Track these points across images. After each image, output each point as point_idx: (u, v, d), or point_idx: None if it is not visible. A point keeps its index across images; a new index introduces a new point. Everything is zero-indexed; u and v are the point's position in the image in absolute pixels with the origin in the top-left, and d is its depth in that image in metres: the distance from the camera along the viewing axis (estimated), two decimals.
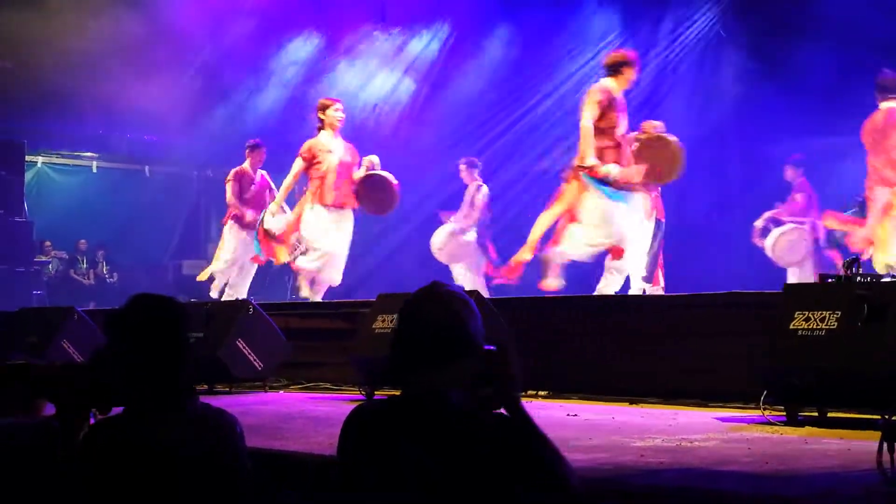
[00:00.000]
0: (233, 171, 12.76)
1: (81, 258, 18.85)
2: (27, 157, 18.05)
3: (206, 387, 8.46)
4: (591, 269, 11.68)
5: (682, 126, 14.11)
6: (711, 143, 14.68)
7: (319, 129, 10.82)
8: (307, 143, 10.83)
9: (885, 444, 3.60)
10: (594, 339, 7.55)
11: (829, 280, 5.82)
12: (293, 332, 8.88)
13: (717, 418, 5.88)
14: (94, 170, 20.13)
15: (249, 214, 12.29)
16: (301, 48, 16.45)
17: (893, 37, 11.76)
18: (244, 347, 8.14)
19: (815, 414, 5.59)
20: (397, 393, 2.90)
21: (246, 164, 12.70)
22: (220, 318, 8.37)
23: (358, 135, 15.94)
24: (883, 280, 5.78)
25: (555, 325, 7.85)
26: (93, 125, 18.03)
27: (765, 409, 5.64)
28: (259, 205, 12.31)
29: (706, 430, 5.31)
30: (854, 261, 5.77)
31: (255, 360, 8.19)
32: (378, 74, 16.59)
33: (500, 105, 15.89)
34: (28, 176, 18.85)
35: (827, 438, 4.93)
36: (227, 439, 3.03)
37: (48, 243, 18.08)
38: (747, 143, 14.55)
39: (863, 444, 4.49)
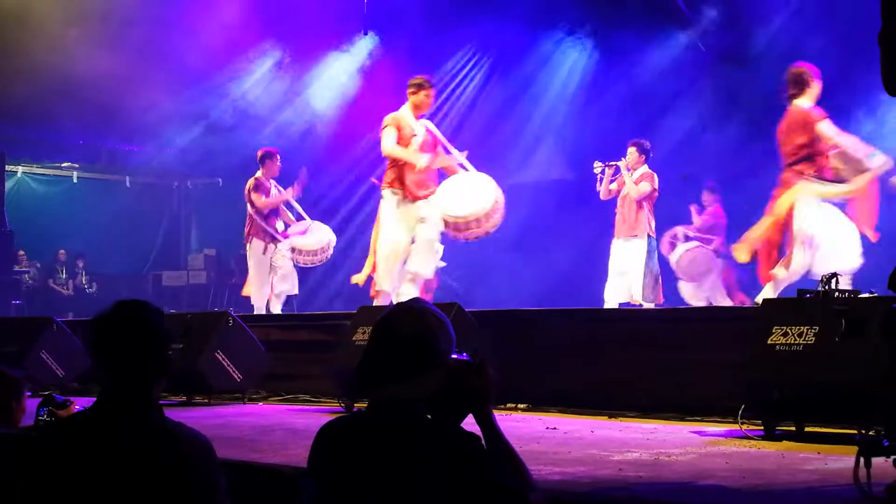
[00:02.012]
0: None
1: (61, 268, 18.77)
2: (7, 167, 18.00)
3: (184, 398, 8.43)
4: (575, 280, 11.75)
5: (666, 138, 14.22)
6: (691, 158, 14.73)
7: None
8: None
9: (861, 459, 3.62)
10: (573, 353, 7.56)
11: (808, 295, 5.85)
12: (273, 344, 8.86)
13: (695, 432, 5.89)
14: (75, 180, 20.08)
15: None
16: (280, 59, 16.44)
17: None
18: (223, 359, 8.12)
19: (793, 428, 5.61)
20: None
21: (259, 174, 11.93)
22: (199, 330, 8.35)
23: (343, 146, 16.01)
24: (861, 296, 5.81)
25: (535, 338, 7.86)
26: (73, 135, 17.98)
27: (742, 423, 5.66)
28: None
29: (684, 444, 5.33)
30: (832, 276, 5.80)
31: (234, 371, 8.17)
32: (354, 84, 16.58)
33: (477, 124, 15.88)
34: (8, 185, 18.77)
35: (804, 453, 4.95)
36: (196, 460, 2.95)
37: (21, 253, 17.98)
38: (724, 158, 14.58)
39: (840, 459, 4.52)
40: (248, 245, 11.77)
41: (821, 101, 8.19)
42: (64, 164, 19.87)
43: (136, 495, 2.84)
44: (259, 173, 11.83)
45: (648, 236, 10.92)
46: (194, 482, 2.90)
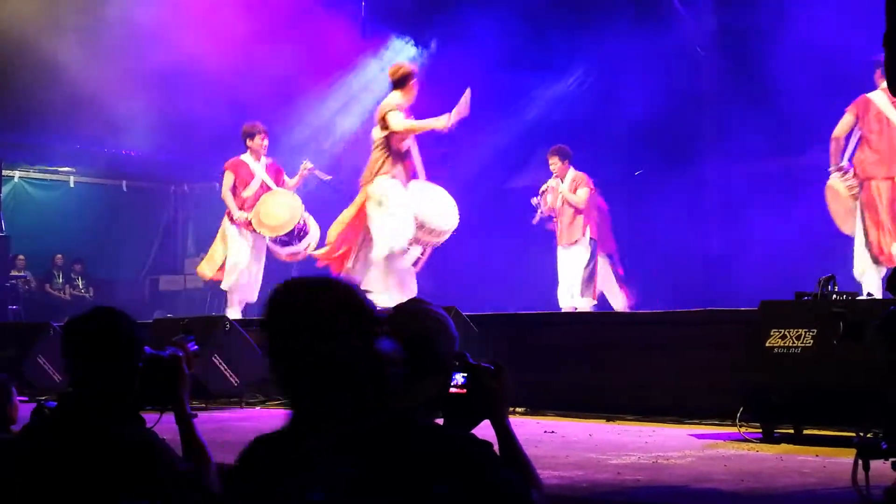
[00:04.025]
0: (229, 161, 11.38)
1: (57, 273, 18.75)
2: (4, 172, 17.98)
3: None
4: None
5: (656, 139, 14.22)
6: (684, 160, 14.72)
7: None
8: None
9: (860, 462, 3.61)
10: (571, 356, 7.56)
11: (806, 298, 5.85)
12: None
13: (694, 435, 5.89)
14: (72, 184, 20.05)
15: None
16: (281, 61, 16.44)
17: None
18: (220, 364, 8.11)
19: (791, 431, 5.61)
20: None
21: (245, 155, 11.27)
22: (196, 334, 8.30)
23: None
24: (859, 298, 5.81)
25: (533, 341, 7.85)
26: (70, 140, 17.95)
27: (741, 426, 5.66)
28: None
29: (683, 448, 5.32)
30: (830, 279, 5.79)
31: (231, 375, 8.16)
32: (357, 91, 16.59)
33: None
34: (5, 190, 18.75)
35: (803, 456, 4.95)
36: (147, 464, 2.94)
37: (21, 258, 17.96)
38: (720, 160, 14.58)
39: (838, 462, 4.52)
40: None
41: None
42: (61, 169, 19.85)
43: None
44: (244, 155, 11.23)
45: (591, 239, 10.99)
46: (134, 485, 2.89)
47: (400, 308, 2.91)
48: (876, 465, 3.63)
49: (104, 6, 14.18)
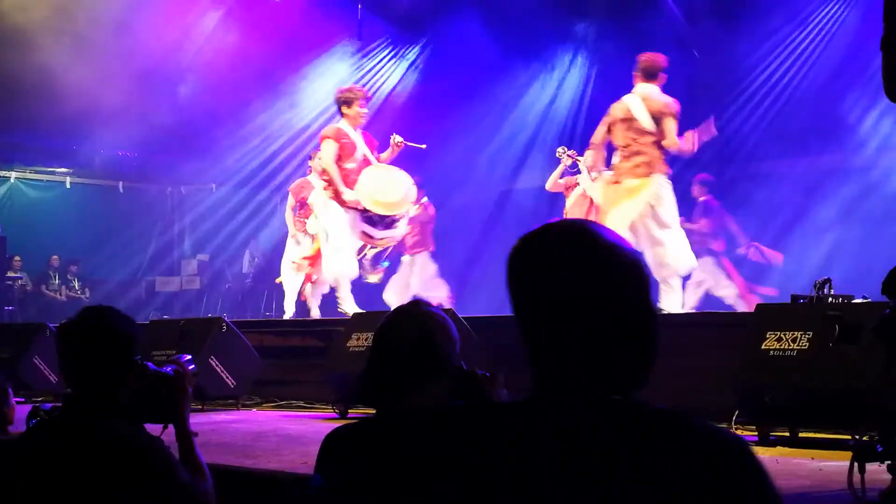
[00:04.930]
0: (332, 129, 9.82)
1: (54, 274, 18.74)
2: (0, 172, 17.98)
3: None
4: None
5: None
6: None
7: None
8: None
9: (855, 465, 3.62)
10: None
11: (801, 301, 5.85)
12: (267, 350, 8.84)
13: None
14: (68, 185, 20.04)
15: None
16: (277, 64, 16.46)
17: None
18: (217, 365, 8.10)
19: (787, 434, 5.61)
20: (370, 411, 2.88)
21: (342, 123, 9.79)
22: (192, 336, 8.32)
23: None
24: (854, 301, 5.81)
25: None
26: (66, 140, 17.95)
27: (736, 428, 5.66)
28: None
29: None
30: (826, 281, 5.80)
31: (227, 377, 8.15)
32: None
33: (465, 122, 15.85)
34: (1, 190, 18.77)
35: (798, 458, 4.95)
36: (136, 464, 2.94)
37: (17, 259, 17.96)
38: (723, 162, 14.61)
39: (834, 465, 4.51)
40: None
41: None
42: (57, 170, 19.84)
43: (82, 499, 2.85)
44: (341, 122, 9.77)
45: None
46: (131, 486, 2.89)
47: (401, 310, 2.89)
48: (871, 468, 3.64)
49: (100, 8, 14.19)
